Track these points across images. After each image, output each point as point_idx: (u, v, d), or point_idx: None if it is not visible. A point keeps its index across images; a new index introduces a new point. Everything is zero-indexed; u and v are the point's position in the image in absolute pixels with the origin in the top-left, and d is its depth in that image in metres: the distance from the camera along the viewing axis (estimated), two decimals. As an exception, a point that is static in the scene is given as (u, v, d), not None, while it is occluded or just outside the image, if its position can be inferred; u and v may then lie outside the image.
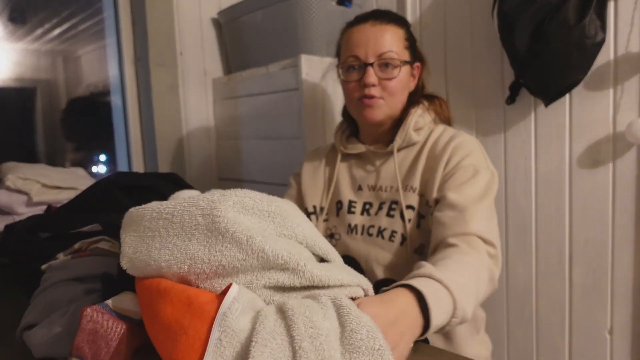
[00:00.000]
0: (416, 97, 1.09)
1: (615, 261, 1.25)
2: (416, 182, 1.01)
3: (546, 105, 1.30)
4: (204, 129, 1.90)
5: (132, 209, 0.47)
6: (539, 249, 1.39)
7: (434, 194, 0.96)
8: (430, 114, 1.07)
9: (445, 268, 0.75)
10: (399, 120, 1.06)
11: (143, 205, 0.47)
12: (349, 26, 1.07)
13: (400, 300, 0.61)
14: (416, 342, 0.59)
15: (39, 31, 1.77)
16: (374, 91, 1.01)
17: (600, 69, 1.22)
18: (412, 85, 1.08)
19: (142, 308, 0.42)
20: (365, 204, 1.07)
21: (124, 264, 0.44)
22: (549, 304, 1.38)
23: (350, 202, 1.08)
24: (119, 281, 0.49)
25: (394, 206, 1.01)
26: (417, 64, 1.08)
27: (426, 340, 0.61)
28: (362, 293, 0.50)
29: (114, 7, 1.84)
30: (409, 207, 0.99)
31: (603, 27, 1.15)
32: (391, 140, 1.06)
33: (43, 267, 0.66)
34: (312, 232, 0.50)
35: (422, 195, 0.99)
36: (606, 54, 1.20)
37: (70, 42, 1.85)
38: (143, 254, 0.43)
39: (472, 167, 0.96)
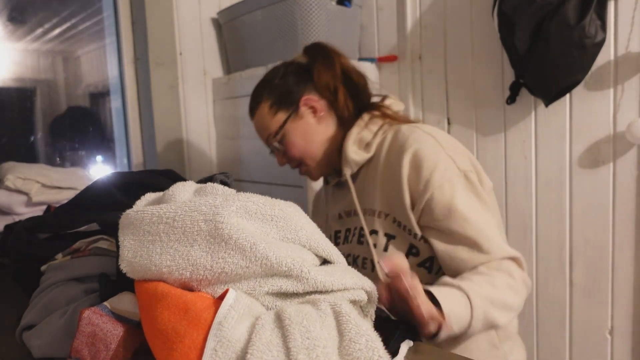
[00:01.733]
0: (347, 111, 1.02)
1: (616, 261, 1.25)
2: (376, 204, 0.96)
3: (546, 105, 1.29)
4: (203, 128, 1.90)
5: (129, 211, 0.46)
6: (539, 249, 1.39)
7: (415, 220, 0.90)
8: (376, 124, 1.00)
9: (460, 278, 0.80)
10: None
11: (141, 208, 0.46)
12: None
13: None
14: (415, 342, 0.59)
15: (39, 31, 1.77)
16: (292, 165, 1.07)
17: (600, 69, 1.22)
18: (318, 119, 1.01)
19: (140, 311, 0.41)
20: (346, 231, 1.05)
21: (124, 267, 0.43)
22: (549, 304, 1.38)
23: (336, 232, 1.07)
24: (117, 281, 0.48)
25: (362, 232, 0.97)
26: (306, 97, 1.00)
27: (420, 339, 0.61)
28: (365, 296, 0.50)
29: (114, 7, 1.84)
30: (373, 232, 0.95)
31: (603, 27, 1.15)
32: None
33: (43, 267, 0.66)
34: (315, 235, 0.50)
35: (388, 215, 0.94)
36: (606, 54, 1.20)
37: (70, 42, 1.84)
38: (143, 258, 0.43)
39: (447, 184, 0.87)
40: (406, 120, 1.04)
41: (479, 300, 0.76)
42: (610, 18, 1.19)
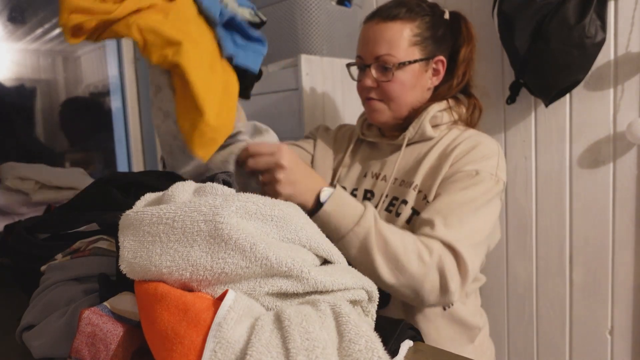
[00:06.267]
0: (448, 92, 1.01)
1: (616, 261, 1.25)
2: (416, 178, 0.96)
3: (546, 105, 1.29)
4: (203, 129, 1.90)
5: (129, 212, 0.46)
6: (539, 249, 1.39)
7: (432, 195, 0.92)
8: (453, 115, 1.00)
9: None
10: (417, 113, 1.01)
11: (141, 209, 0.46)
12: (363, 22, 1.03)
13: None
14: (415, 342, 0.59)
15: (39, 31, 1.77)
16: (373, 94, 1.00)
17: (600, 69, 1.22)
18: (431, 82, 1.01)
19: (140, 312, 0.41)
20: (366, 191, 1.04)
21: (124, 268, 0.43)
22: (549, 304, 1.38)
23: (353, 189, 1.06)
24: (117, 281, 0.48)
25: (394, 202, 0.98)
26: (439, 58, 1.00)
27: (420, 339, 0.61)
28: (365, 296, 0.50)
29: (114, 7, 1.84)
30: (403, 201, 0.95)
31: (603, 27, 1.15)
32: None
33: (42, 268, 0.66)
34: (315, 235, 0.50)
35: (421, 192, 0.95)
36: (606, 54, 1.20)
37: (70, 42, 1.84)
38: (143, 259, 0.42)
39: (474, 172, 0.89)
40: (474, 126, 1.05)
41: (372, 221, 0.79)
42: (610, 18, 1.19)
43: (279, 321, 0.38)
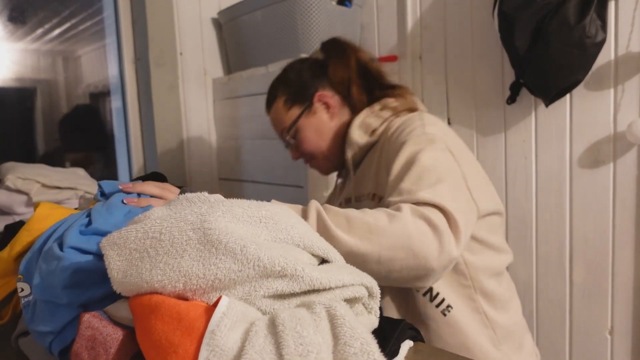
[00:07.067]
0: (360, 100, 1.01)
1: (616, 261, 1.25)
2: (370, 186, 0.94)
3: (547, 105, 1.29)
4: (204, 129, 1.90)
5: (112, 233, 0.45)
6: (539, 249, 1.39)
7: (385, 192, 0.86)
8: (382, 115, 0.98)
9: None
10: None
11: (123, 228, 0.45)
12: None
13: None
14: (416, 342, 0.59)
15: (39, 31, 1.77)
16: (304, 160, 1.10)
17: (600, 69, 1.22)
18: (329, 115, 1.02)
19: (135, 323, 0.41)
20: None
21: (116, 288, 0.43)
22: (549, 304, 1.38)
23: None
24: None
25: None
26: (320, 93, 1.01)
27: (421, 339, 0.61)
28: (365, 292, 0.49)
29: (114, 7, 1.84)
30: None
31: (603, 27, 1.15)
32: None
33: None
34: (308, 233, 0.49)
35: (382, 198, 0.89)
36: (607, 54, 1.20)
37: (70, 42, 1.84)
38: (134, 277, 0.42)
39: (405, 158, 0.82)
40: (415, 110, 1.00)
41: (318, 205, 0.71)
42: (611, 18, 1.18)
43: (273, 326, 0.37)
